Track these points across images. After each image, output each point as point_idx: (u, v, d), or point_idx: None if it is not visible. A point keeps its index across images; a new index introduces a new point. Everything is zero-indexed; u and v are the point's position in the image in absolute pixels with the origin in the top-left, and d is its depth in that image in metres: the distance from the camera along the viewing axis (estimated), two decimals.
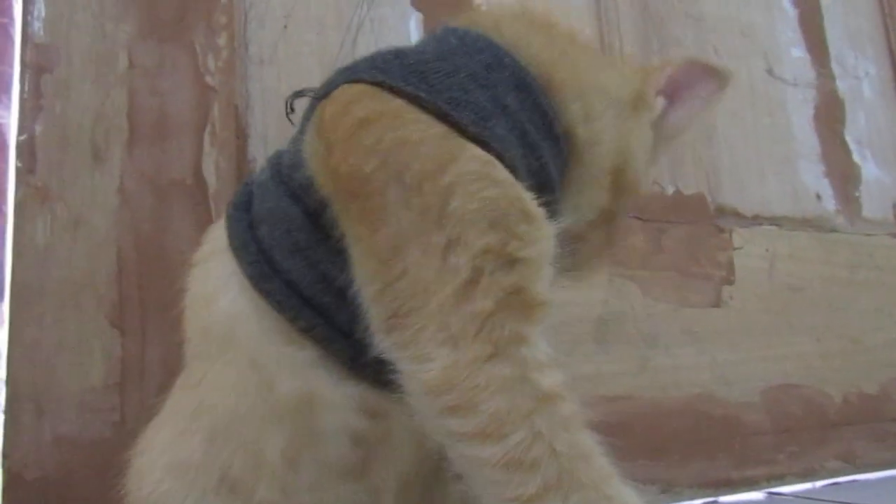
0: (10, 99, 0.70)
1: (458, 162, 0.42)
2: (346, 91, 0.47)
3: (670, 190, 1.00)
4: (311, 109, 0.49)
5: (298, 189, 0.47)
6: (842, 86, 1.21)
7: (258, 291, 0.46)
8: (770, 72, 1.15)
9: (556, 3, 1.00)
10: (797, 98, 1.16)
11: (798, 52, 1.18)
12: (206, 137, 0.76)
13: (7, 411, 0.65)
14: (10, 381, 0.65)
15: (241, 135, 0.78)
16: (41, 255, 0.68)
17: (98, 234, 0.70)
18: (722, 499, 0.92)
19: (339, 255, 0.45)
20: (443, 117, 0.44)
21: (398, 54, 0.49)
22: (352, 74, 0.48)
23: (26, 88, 0.70)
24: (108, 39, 0.74)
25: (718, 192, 1.05)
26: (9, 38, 0.70)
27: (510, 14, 0.55)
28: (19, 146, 0.69)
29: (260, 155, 0.78)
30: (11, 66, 0.70)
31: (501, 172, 0.44)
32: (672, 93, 0.58)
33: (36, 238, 0.68)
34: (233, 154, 0.76)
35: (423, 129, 0.43)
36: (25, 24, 0.71)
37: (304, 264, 0.46)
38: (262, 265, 0.46)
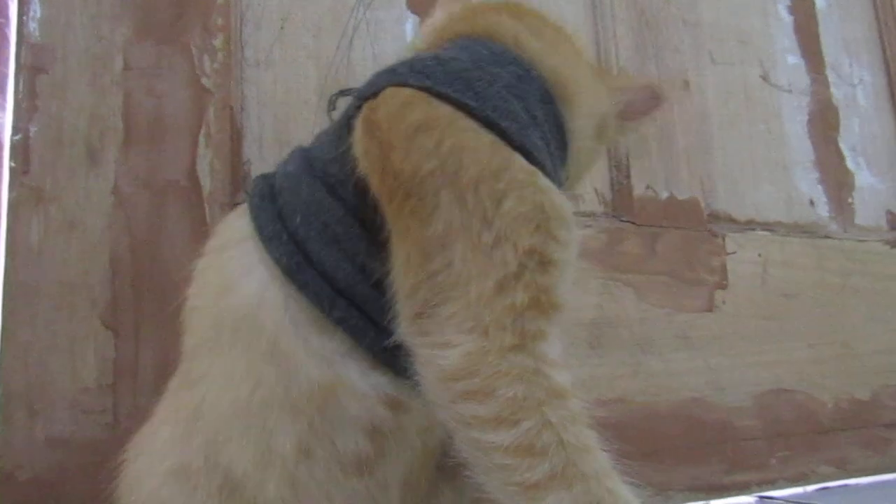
0: (5, 99, 0.70)
1: (511, 169, 0.46)
2: (396, 94, 0.49)
3: (664, 195, 1.01)
4: (355, 108, 0.51)
5: (336, 184, 0.49)
6: (837, 93, 1.21)
7: (293, 281, 0.47)
8: (765, 78, 1.15)
9: (553, 9, 1.00)
10: (792, 105, 1.17)
11: (793, 59, 1.19)
12: (202, 139, 0.76)
13: (0, 412, 0.65)
14: (3, 382, 0.65)
15: (237, 137, 0.78)
16: (35, 256, 0.68)
17: (92, 236, 0.70)
18: (713, 503, 0.92)
19: (377, 248, 0.47)
20: (490, 125, 0.47)
21: (439, 60, 0.51)
22: (396, 77, 0.50)
23: (21, 89, 0.70)
24: (104, 40, 0.74)
25: (712, 198, 1.05)
26: (4, 38, 0.70)
27: (526, 28, 0.57)
28: (14, 146, 0.69)
29: (255, 157, 0.78)
30: (7, 66, 0.70)
31: (544, 180, 0.47)
32: (625, 114, 0.62)
33: (30, 239, 0.68)
34: (228, 156, 0.77)
35: (476, 137, 0.46)
36: (21, 24, 0.71)
37: (342, 256, 0.47)
38: (297, 255, 0.47)
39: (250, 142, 0.79)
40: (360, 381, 0.46)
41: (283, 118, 0.81)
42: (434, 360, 0.42)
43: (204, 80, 0.77)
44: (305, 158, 0.52)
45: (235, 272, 0.49)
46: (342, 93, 0.55)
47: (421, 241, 0.44)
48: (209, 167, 0.75)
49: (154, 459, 0.49)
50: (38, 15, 0.72)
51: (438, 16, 0.66)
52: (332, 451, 0.46)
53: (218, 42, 0.79)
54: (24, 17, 0.72)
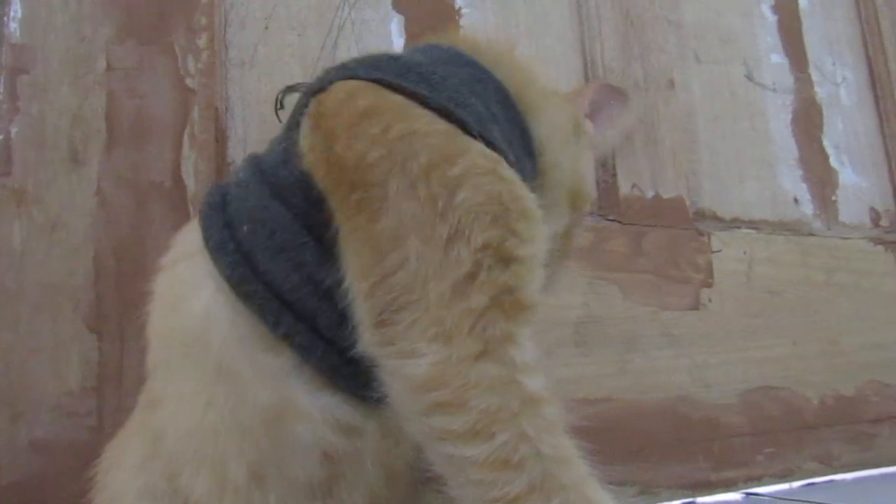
0: None
1: (468, 155, 0.43)
2: (345, 85, 0.47)
3: (650, 194, 1.01)
4: (303, 106, 0.49)
5: (284, 189, 0.46)
6: (820, 91, 1.22)
7: (238, 294, 0.45)
8: (749, 77, 1.16)
9: (538, 9, 1.00)
10: (776, 103, 1.17)
11: (777, 58, 1.20)
12: (186, 140, 0.75)
13: None
14: None
15: (221, 137, 0.78)
16: (17, 259, 0.67)
17: (75, 238, 0.70)
18: (700, 500, 0.93)
19: (327, 257, 0.44)
20: (446, 115, 0.44)
21: (392, 57, 0.49)
22: (346, 72, 0.48)
23: (2, 90, 0.70)
24: (86, 41, 0.74)
25: (698, 196, 1.06)
26: None
27: (484, 40, 0.56)
28: None
29: (240, 158, 0.78)
30: None
31: (507, 170, 0.44)
32: (591, 114, 0.61)
33: (12, 241, 0.68)
34: (212, 157, 0.76)
35: (430, 123, 0.44)
36: (1, 25, 0.71)
37: (289, 266, 0.44)
38: (243, 266, 0.45)
39: (235, 142, 0.78)
40: (309, 402, 0.44)
41: (268, 118, 0.80)
42: (401, 370, 0.40)
43: (188, 81, 0.77)
44: (256, 164, 0.50)
45: (185, 288, 0.47)
46: (289, 89, 0.54)
47: (371, 237, 0.41)
48: (193, 168, 0.75)
49: (126, 478, 0.47)
50: (19, 15, 0.72)
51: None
52: (284, 479, 0.44)
53: (202, 42, 0.78)
54: (5, 18, 0.71)
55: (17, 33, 0.71)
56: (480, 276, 0.40)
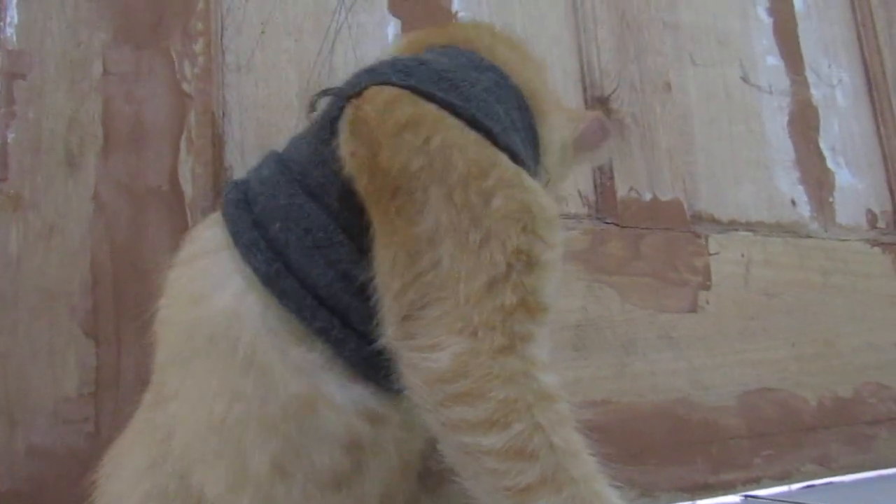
0: None
1: (498, 168, 0.45)
2: (380, 92, 0.48)
3: (647, 197, 1.01)
4: (337, 109, 0.50)
5: (318, 188, 0.48)
6: (816, 93, 1.22)
7: (272, 290, 0.45)
8: (745, 79, 1.16)
9: (534, 12, 1.00)
10: (772, 105, 1.18)
11: (773, 60, 1.20)
12: (183, 145, 0.75)
13: None
14: None
15: (218, 142, 0.78)
16: (14, 264, 0.67)
17: (72, 243, 0.70)
18: (699, 502, 0.93)
19: (360, 255, 0.46)
20: (475, 125, 0.47)
21: (421, 61, 0.51)
22: (378, 76, 0.49)
23: None
24: (82, 46, 0.73)
25: (695, 199, 1.06)
26: None
27: (502, 40, 0.58)
28: None
29: (236, 162, 0.78)
30: None
31: (530, 180, 0.47)
32: (578, 140, 0.63)
33: (8, 246, 0.67)
34: (209, 161, 0.76)
35: (463, 135, 0.46)
36: None
37: (324, 263, 0.46)
38: (276, 262, 0.46)
39: (232, 147, 0.78)
40: (340, 393, 0.45)
41: (265, 123, 0.80)
42: (422, 362, 0.42)
43: (184, 86, 0.77)
44: (282, 163, 0.51)
45: (209, 282, 0.47)
46: (324, 93, 0.54)
47: (408, 240, 0.44)
48: (190, 173, 0.75)
49: (130, 481, 0.47)
50: (16, 20, 0.72)
51: (413, 32, 0.66)
52: (308, 469, 0.44)
53: (198, 47, 0.78)
54: (1, 23, 0.71)
55: (14, 38, 0.71)
56: (512, 277, 0.43)
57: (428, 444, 0.49)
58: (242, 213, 0.49)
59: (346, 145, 0.47)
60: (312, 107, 0.56)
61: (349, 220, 0.47)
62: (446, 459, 0.43)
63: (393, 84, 0.48)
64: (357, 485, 0.46)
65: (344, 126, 0.48)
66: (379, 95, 0.48)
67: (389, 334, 0.44)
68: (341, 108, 0.49)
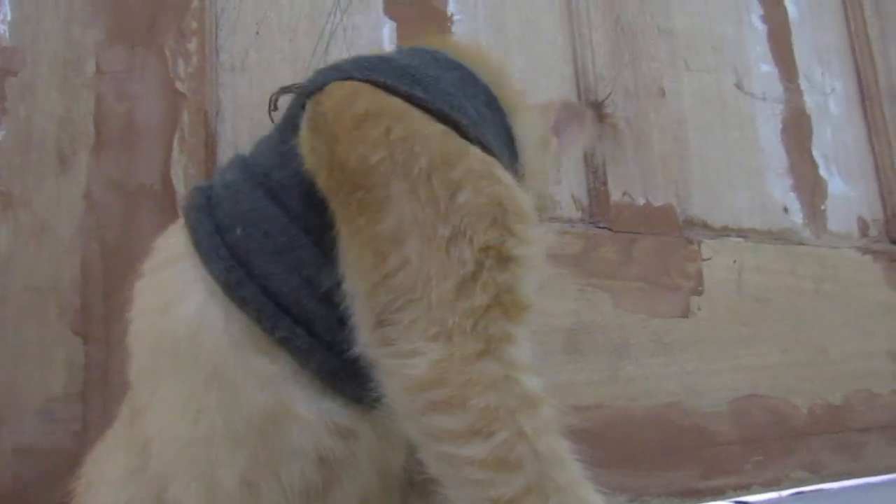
0: None
1: (466, 158, 0.43)
2: (341, 87, 0.47)
3: (640, 202, 1.01)
4: (299, 107, 0.49)
5: (281, 191, 0.46)
6: (809, 101, 1.23)
7: (232, 298, 0.44)
8: (739, 86, 1.16)
9: (529, 16, 1.00)
10: (766, 112, 1.18)
11: (767, 67, 1.21)
12: (175, 144, 0.75)
13: None
14: None
15: (211, 142, 0.77)
16: (4, 262, 0.67)
17: (62, 241, 0.69)
18: None
19: (326, 260, 0.44)
20: (442, 118, 0.45)
21: (382, 58, 0.49)
22: (340, 73, 0.48)
23: None
24: (75, 44, 0.73)
25: (688, 204, 1.06)
26: None
27: (464, 44, 0.57)
28: None
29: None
30: None
31: (502, 172, 0.45)
32: (555, 130, 0.62)
33: None
34: (202, 161, 0.76)
35: (428, 126, 0.44)
36: None
37: (286, 268, 0.44)
38: (237, 270, 0.44)
39: (225, 147, 0.78)
40: (305, 407, 0.43)
41: (259, 123, 0.80)
42: (400, 370, 0.40)
43: (178, 84, 0.76)
44: (245, 166, 0.49)
45: (173, 292, 0.46)
46: (283, 90, 0.54)
47: (373, 238, 0.42)
48: (183, 172, 0.75)
49: (110, 491, 0.47)
50: (9, 17, 0.71)
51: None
52: (277, 484, 0.43)
53: (192, 46, 0.78)
54: None
55: (7, 35, 0.71)
56: (483, 275, 0.41)
57: (408, 454, 0.48)
58: (204, 219, 0.47)
59: (305, 142, 0.46)
60: (274, 105, 0.55)
61: (312, 221, 0.45)
62: (428, 470, 0.41)
63: (355, 79, 0.47)
64: (331, 499, 0.45)
65: (304, 122, 0.47)
66: (339, 90, 0.47)
67: (364, 341, 0.42)
68: (303, 106, 0.48)
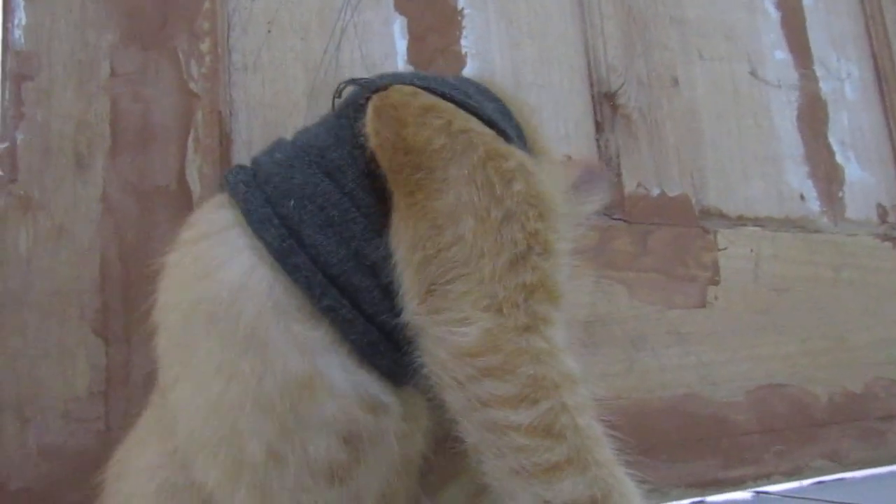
0: None
1: (517, 155, 0.47)
2: (405, 87, 0.50)
3: (655, 192, 1.01)
4: (360, 98, 0.51)
5: (334, 168, 0.49)
6: (825, 87, 1.22)
7: (284, 265, 0.45)
8: (754, 74, 1.15)
9: (539, 9, 1.00)
10: (781, 99, 1.17)
11: (781, 55, 1.19)
12: (190, 144, 0.76)
13: None
14: None
15: (225, 141, 0.78)
16: (24, 265, 0.68)
17: (81, 243, 0.70)
18: (709, 498, 0.92)
19: (373, 233, 0.47)
20: (491, 125, 0.49)
21: (434, 77, 0.53)
22: (401, 79, 0.52)
23: (7, 97, 0.70)
24: (89, 47, 0.74)
25: (703, 194, 1.05)
26: None
27: (500, 84, 0.60)
28: (0, 155, 0.69)
29: (244, 161, 0.77)
30: None
31: (545, 174, 0.48)
32: (574, 185, 0.64)
33: (18, 247, 0.68)
34: (217, 160, 0.76)
35: (481, 126, 0.48)
36: (6, 31, 0.71)
37: (336, 240, 0.46)
38: (289, 239, 0.46)
39: (239, 146, 0.79)
40: (341, 377, 0.45)
41: (272, 122, 0.81)
42: (450, 336, 0.42)
43: (191, 85, 0.77)
44: (295, 147, 0.52)
45: (216, 260, 0.47)
46: (351, 81, 0.56)
47: (428, 213, 0.45)
48: (198, 172, 0.75)
49: (140, 480, 0.47)
50: (24, 22, 0.72)
51: None
52: (303, 457, 0.44)
53: (205, 46, 0.78)
54: (9, 25, 0.71)
55: (22, 40, 0.72)
56: (532, 257, 0.44)
57: (429, 440, 0.49)
58: (254, 192, 0.49)
59: (370, 125, 0.49)
60: (339, 93, 0.57)
61: (364, 199, 0.48)
62: (467, 439, 0.43)
63: (415, 85, 0.50)
64: (353, 478, 0.45)
65: (369, 110, 0.50)
66: (403, 88, 0.50)
67: (413, 308, 0.44)
68: (367, 98, 0.50)
